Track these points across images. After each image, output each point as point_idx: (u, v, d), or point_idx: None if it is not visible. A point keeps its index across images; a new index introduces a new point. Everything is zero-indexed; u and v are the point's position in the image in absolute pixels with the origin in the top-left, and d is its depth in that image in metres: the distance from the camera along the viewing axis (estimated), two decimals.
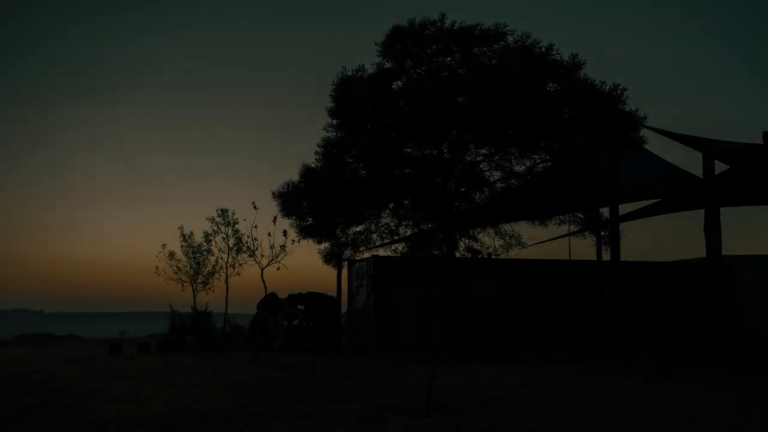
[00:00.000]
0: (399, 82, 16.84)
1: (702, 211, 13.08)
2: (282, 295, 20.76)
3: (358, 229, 18.13)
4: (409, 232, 17.81)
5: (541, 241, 26.48)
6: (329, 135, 16.96)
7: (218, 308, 21.85)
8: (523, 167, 17.45)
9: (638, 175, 19.37)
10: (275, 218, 15.55)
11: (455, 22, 16.59)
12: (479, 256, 17.53)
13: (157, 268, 21.03)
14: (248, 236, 16.41)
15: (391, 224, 17.60)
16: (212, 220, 19.93)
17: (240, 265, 19.62)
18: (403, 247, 17.80)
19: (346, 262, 20.67)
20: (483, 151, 17.18)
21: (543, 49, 16.00)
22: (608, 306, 20.30)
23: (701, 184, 13.22)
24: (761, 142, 16.02)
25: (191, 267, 20.90)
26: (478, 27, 16.43)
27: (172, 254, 21.02)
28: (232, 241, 19.35)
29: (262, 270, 15.80)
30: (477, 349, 16.44)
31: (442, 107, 16.27)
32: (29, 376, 11.39)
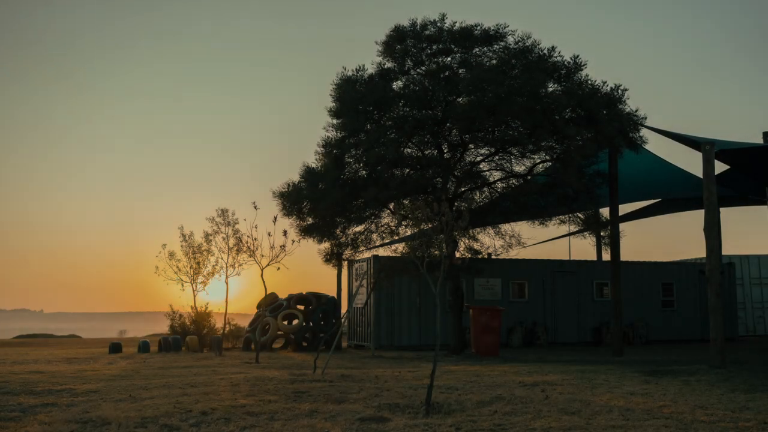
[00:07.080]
0: (399, 82, 16.86)
1: (702, 211, 13.06)
2: (282, 295, 20.77)
3: (358, 229, 18.15)
4: (409, 232, 17.82)
5: (541, 241, 26.53)
6: (329, 135, 16.99)
7: (218, 308, 21.93)
8: (523, 167, 17.50)
9: (638, 175, 19.38)
10: (275, 218, 15.54)
11: (455, 22, 16.65)
12: (479, 256, 17.53)
13: (157, 268, 21.12)
14: (248, 236, 16.43)
15: (391, 224, 17.62)
16: (212, 220, 20.00)
17: (240, 265, 19.66)
18: (404, 247, 17.81)
19: (346, 262, 20.68)
20: (483, 151, 17.19)
21: (545, 51, 16.03)
22: (608, 306, 20.31)
23: (701, 184, 13.20)
24: (761, 142, 16.04)
25: (191, 267, 20.98)
26: (479, 27, 16.46)
27: (172, 254, 21.11)
28: (232, 241, 19.38)
29: (262, 270, 15.80)
30: (477, 350, 16.44)
31: (442, 107, 16.28)
32: (29, 376, 11.39)
